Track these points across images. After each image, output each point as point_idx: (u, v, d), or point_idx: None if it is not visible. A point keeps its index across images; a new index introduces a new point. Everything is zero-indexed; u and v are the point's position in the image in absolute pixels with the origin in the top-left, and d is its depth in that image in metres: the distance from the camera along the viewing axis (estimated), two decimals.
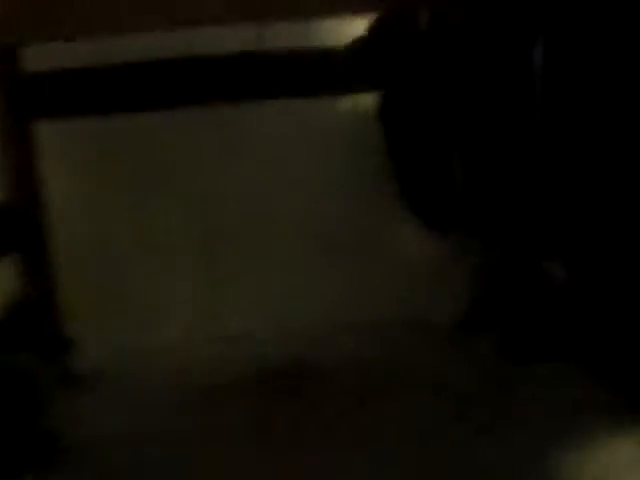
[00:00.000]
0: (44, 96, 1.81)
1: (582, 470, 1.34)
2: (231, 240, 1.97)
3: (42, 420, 1.48)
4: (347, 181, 1.96)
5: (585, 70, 1.58)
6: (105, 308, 1.92)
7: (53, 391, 1.56)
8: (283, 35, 1.79)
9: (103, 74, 1.83)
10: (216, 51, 1.83)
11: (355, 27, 1.83)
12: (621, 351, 1.58)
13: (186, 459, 1.45)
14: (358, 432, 1.51)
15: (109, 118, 1.84)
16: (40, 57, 1.73)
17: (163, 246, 1.96)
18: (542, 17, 1.60)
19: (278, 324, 1.96)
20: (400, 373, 1.75)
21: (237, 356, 1.87)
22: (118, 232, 1.93)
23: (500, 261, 1.83)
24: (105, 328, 1.89)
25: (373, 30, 1.83)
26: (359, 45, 1.85)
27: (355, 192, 1.97)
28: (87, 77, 1.83)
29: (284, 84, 1.90)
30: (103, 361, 1.83)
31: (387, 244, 2.00)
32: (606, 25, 1.53)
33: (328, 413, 1.59)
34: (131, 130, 1.87)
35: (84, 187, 1.91)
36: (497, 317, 1.84)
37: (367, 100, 1.90)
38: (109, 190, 1.92)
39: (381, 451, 1.44)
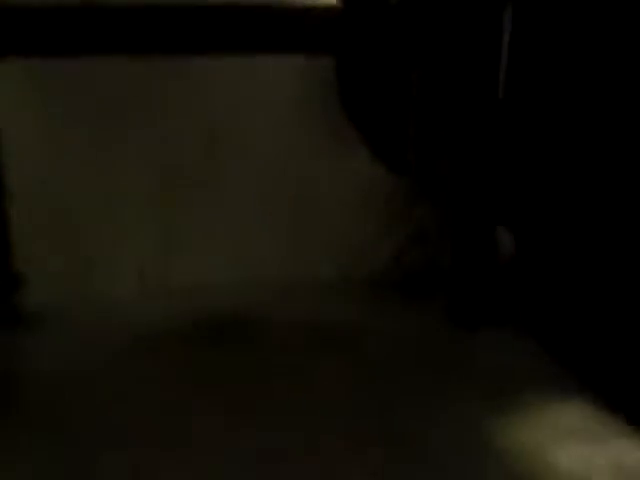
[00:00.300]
0: (6, 32, 1.77)
1: (523, 436, 1.37)
2: (185, 189, 1.96)
3: None
4: (300, 135, 1.96)
5: (553, 37, 1.60)
6: (56, 249, 1.90)
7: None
8: None
9: (68, 13, 1.79)
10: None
11: None
12: (566, 320, 1.62)
13: (123, 402, 1.47)
14: (296, 387, 1.53)
15: (74, 58, 1.80)
16: None
17: (118, 191, 1.94)
18: None
19: (227, 276, 1.97)
20: (338, 333, 1.76)
21: (184, 307, 1.88)
22: (73, 173, 1.91)
23: (450, 223, 1.85)
24: (56, 270, 1.89)
25: None
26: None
27: (309, 145, 1.97)
28: (52, 16, 1.79)
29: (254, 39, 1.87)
30: (51, 302, 1.83)
31: (337, 198, 2.00)
32: None
33: (268, 364, 1.61)
34: (96, 71, 1.84)
35: (41, 125, 1.87)
36: (443, 279, 1.87)
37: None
38: (67, 131, 1.89)
39: (316, 404, 1.47)
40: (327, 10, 1.82)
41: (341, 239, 2.00)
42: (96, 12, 1.77)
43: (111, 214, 1.94)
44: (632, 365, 1.42)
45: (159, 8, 1.78)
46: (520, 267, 1.75)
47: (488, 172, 1.75)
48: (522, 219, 1.75)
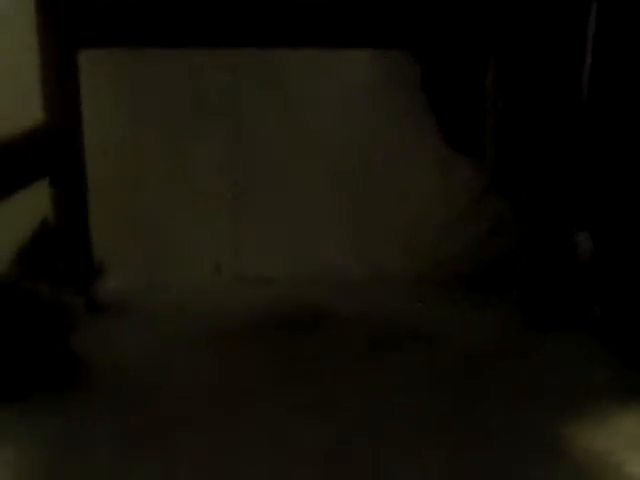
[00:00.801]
0: (91, 24, 1.80)
1: (596, 444, 1.34)
2: (260, 183, 1.98)
3: (65, 344, 1.51)
4: (375, 132, 1.96)
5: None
6: (135, 241, 1.95)
7: (78, 317, 1.58)
8: None
9: (151, 5, 1.81)
10: None
11: None
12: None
13: (201, 390, 1.49)
14: (365, 379, 1.53)
15: (154, 51, 1.84)
16: None
17: (193, 185, 1.97)
18: None
19: (300, 269, 1.98)
20: (411, 327, 1.76)
21: (257, 297, 1.90)
22: (151, 166, 1.95)
23: (527, 222, 1.82)
24: (132, 260, 1.93)
25: None
26: None
27: (386, 145, 1.96)
28: (134, 8, 1.81)
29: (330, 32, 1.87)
30: (129, 291, 1.87)
31: (413, 197, 1.99)
32: None
33: (340, 358, 1.62)
34: (175, 65, 1.88)
35: (122, 118, 1.91)
36: (517, 279, 1.84)
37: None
38: (146, 123, 1.93)
39: (388, 399, 1.46)
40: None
41: (413, 232, 2.00)
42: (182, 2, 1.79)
43: (188, 208, 1.97)
44: None
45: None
46: (598, 272, 1.72)
47: (569, 173, 1.72)
48: (602, 223, 1.72)
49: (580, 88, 1.67)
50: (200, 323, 1.77)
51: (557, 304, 1.75)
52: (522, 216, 1.83)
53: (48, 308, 1.46)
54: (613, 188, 1.68)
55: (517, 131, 1.79)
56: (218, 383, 1.52)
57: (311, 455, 1.30)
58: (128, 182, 1.94)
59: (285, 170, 1.98)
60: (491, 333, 1.74)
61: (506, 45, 1.75)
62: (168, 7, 1.79)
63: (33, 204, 1.71)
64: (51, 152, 1.77)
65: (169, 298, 1.89)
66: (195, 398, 1.46)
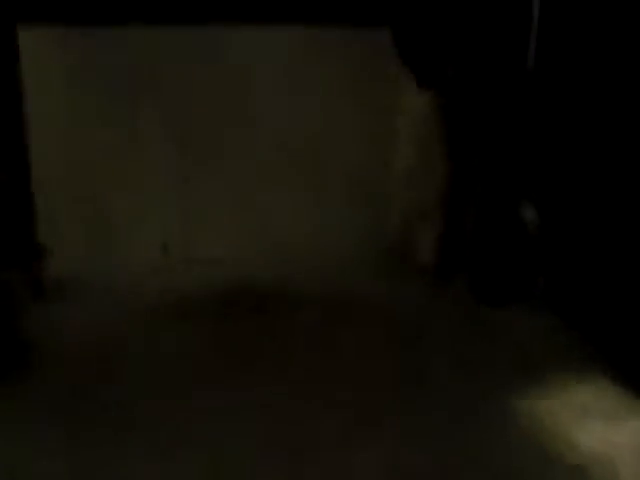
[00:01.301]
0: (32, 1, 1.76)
1: (545, 414, 1.37)
2: (210, 160, 1.96)
3: (13, 327, 1.49)
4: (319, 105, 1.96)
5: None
6: (81, 219, 1.91)
7: (26, 299, 1.56)
8: None
9: None
10: None
11: None
12: (590, 295, 1.62)
13: (151, 371, 1.48)
14: (325, 353, 1.55)
15: (97, 28, 1.80)
16: None
17: (141, 163, 1.94)
18: None
19: (250, 247, 1.98)
20: (365, 305, 1.77)
21: (208, 277, 1.89)
22: (97, 144, 1.91)
23: (475, 202, 1.84)
24: (80, 240, 1.90)
25: None
26: None
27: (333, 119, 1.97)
28: None
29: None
30: (75, 273, 1.84)
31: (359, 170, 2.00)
32: None
33: (290, 333, 1.63)
34: (120, 42, 1.84)
35: (65, 99, 1.87)
36: (470, 257, 1.87)
37: None
38: (92, 99, 1.89)
39: (335, 372, 1.48)
40: None
41: (362, 215, 2.01)
42: None
43: (135, 189, 1.94)
44: None
45: None
46: (544, 242, 1.74)
47: (514, 146, 1.73)
48: (548, 194, 1.74)
49: (526, 60, 1.68)
50: (148, 305, 1.75)
51: (505, 277, 1.78)
52: (469, 190, 1.84)
53: None
54: (557, 161, 1.70)
55: (465, 101, 1.79)
56: (165, 366, 1.51)
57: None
58: (74, 163, 1.90)
59: (234, 148, 1.97)
60: (443, 309, 1.76)
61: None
62: None
63: None
64: None
65: (116, 280, 1.86)
66: (144, 382, 1.45)
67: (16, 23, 1.73)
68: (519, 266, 1.76)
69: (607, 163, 1.57)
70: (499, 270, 1.78)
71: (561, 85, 1.66)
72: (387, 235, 2.01)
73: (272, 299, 1.79)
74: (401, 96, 1.92)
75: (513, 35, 1.68)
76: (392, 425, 1.33)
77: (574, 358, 1.55)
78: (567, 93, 1.65)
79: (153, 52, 1.87)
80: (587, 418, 1.37)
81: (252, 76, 1.92)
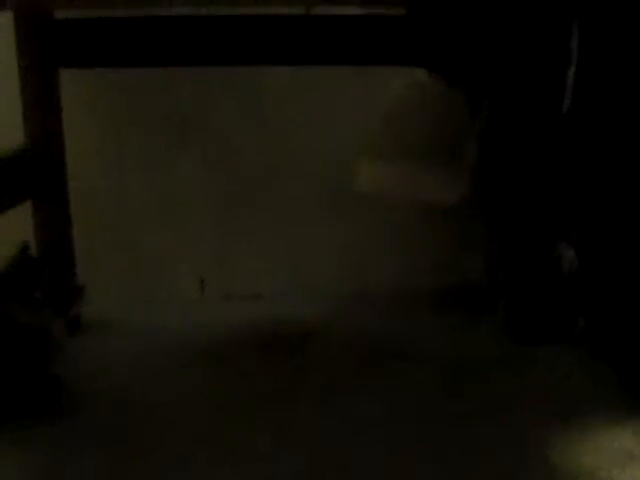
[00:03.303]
0: (72, 43, 1.80)
1: (582, 459, 1.33)
2: (246, 200, 1.98)
3: (49, 368, 1.50)
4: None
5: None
6: (117, 260, 1.94)
7: (60, 339, 1.57)
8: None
9: (131, 25, 1.81)
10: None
11: None
12: (629, 338, 1.58)
13: (187, 415, 1.47)
14: (354, 401, 1.52)
15: (135, 70, 1.83)
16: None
17: (178, 203, 1.97)
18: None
19: (289, 287, 1.98)
20: (403, 345, 1.75)
21: (245, 316, 1.89)
22: (134, 185, 1.94)
23: (511, 238, 1.82)
24: (117, 279, 1.92)
25: None
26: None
27: None
28: (115, 26, 1.81)
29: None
30: (113, 309, 1.86)
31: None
32: None
33: (329, 378, 1.61)
34: (155, 84, 1.87)
35: (104, 138, 1.91)
36: (504, 294, 1.84)
37: None
38: (128, 142, 1.92)
39: (378, 420, 1.45)
40: None
41: (400, 250, 2.00)
42: (161, 22, 1.79)
43: (172, 225, 1.96)
44: None
45: (224, 18, 1.78)
46: (583, 284, 1.72)
47: (551, 184, 1.72)
48: (586, 235, 1.72)
49: (562, 100, 1.67)
50: (185, 343, 1.76)
51: (542, 317, 1.75)
52: (504, 228, 1.83)
53: (26, 331, 1.45)
54: (594, 199, 1.68)
55: (499, 142, 1.79)
56: (202, 406, 1.50)
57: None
58: (111, 201, 1.94)
59: (269, 186, 1.98)
60: (476, 349, 1.74)
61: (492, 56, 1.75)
62: (148, 26, 1.78)
63: (15, 227, 1.70)
64: (33, 174, 1.76)
65: (154, 317, 1.88)
66: (180, 422, 1.44)
67: (58, 66, 1.77)
68: (556, 306, 1.74)
69: None
70: (535, 309, 1.76)
71: (600, 127, 1.64)
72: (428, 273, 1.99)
73: (310, 339, 1.78)
74: None
75: (549, 78, 1.67)
76: (425, 473, 1.30)
77: (616, 403, 1.51)
78: (606, 134, 1.63)
79: (200, 95, 1.89)
80: (629, 464, 1.33)
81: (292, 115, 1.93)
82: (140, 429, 1.42)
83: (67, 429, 1.40)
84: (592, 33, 1.63)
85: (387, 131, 1.76)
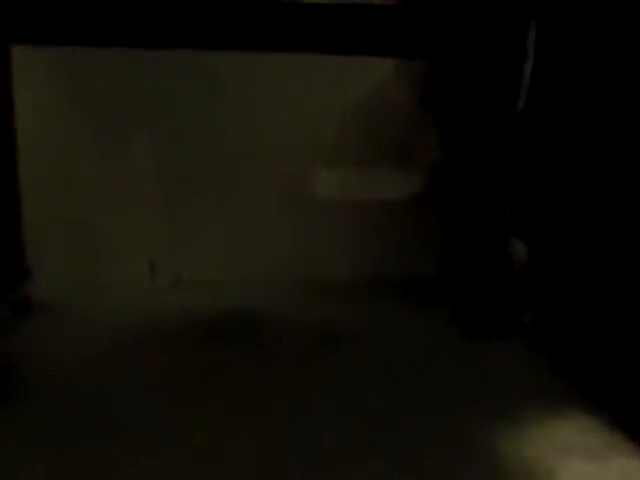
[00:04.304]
0: (24, 20, 1.76)
1: (526, 451, 1.36)
2: (199, 185, 1.96)
3: None
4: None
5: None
6: (68, 242, 1.91)
7: (9, 321, 1.55)
8: None
9: (90, 3, 1.77)
10: None
11: None
12: (576, 332, 1.62)
13: (131, 396, 1.47)
14: (299, 385, 1.53)
15: (90, 52, 1.80)
16: None
17: (130, 185, 1.94)
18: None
19: (239, 272, 1.98)
20: (351, 335, 1.76)
21: (195, 302, 1.89)
22: (85, 164, 1.91)
23: (463, 233, 1.85)
24: (68, 262, 1.90)
25: None
26: None
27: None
28: (72, 5, 1.77)
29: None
30: (62, 293, 1.84)
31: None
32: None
33: (277, 368, 1.61)
34: (109, 67, 1.85)
35: (56, 118, 1.88)
36: (455, 288, 1.87)
37: None
38: (81, 124, 1.89)
39: (321, 407, 1.46)
40: None
41: (351, 239, 2.01)
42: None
43: (122, 209, 1.94)
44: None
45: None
46: (532, 278, 1.75)
47: (502, 181, 1.74)
48: (536, 229, 1.74)
49: (516, 99, 1.69)
50: (134, 328, 1.74)
51: (491, 311, 1.78)
52: (456, 224, 1.85)
53: None
54: (546, 196, 1.71)
55: (451, 142, 1.81)
56: (147, 390, 1.50)
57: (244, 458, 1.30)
58: (60, 183, 1.90)
59: (222, 172, 1.97)
60: (426, 340, 1.76)
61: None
62: (105, 5, 1.75)
63: None
64: None
65: (103, 300, 1.86)
66: (126, 408, 1.44)
67: (9, 43, 1.73)
68: (505, 300, 1.77)
69: (596, 202, 1.57)
70: (485, 303, 1.78)
71: (551, 126, 1.67)
72: (378, 263, 2.01)
73: (257, 325, 1.78)
74: None
75: (505, 76, 1.69)
76: (366, 463, 1.31)
77: (558, 395, 1.54)
78: (556, 133, 1.66)
79: (149, 76, 1.87)
80: (570, 456, 1.36)
81: (250, 109, 1.92)
82: (86, 414, 1.41)
83: (13, 414, 1.38)
84: (548, 33, 1.65)
85: (340, 136, 1.78)
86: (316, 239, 2.00)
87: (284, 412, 1.44)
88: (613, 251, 1.52)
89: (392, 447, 1.35)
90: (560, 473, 1.31)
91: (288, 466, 1.29)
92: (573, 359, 1.60)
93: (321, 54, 1.79)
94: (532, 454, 1.35)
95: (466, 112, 1.76)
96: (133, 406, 1.44)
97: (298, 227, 1.99)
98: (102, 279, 1.92)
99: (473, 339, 1.75)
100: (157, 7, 1.75)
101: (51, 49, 1.77)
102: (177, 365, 1.60)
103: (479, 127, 1.74)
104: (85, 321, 1.77)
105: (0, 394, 1.43)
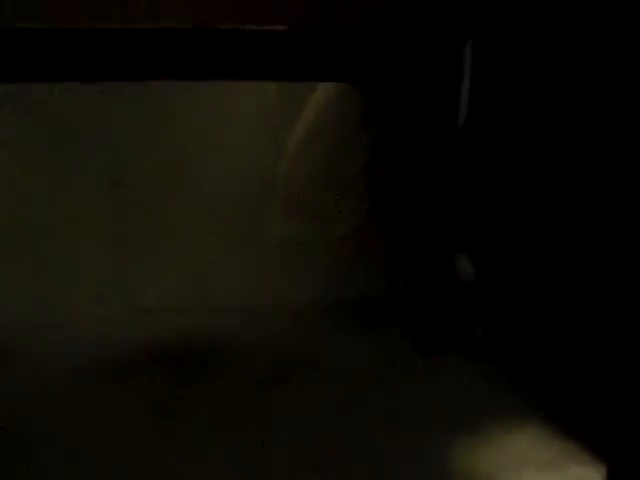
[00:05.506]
0: None
1: (480, 464, 1.37)
2: (145, 216, 1.95)
3: None
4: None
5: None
6: (13, 273, 1.88)
7: None
8: None
9: (26, 36, 1.75)
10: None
11: None
12: (525, 344, 1.63)
13: (82, 439, 1.43)
14: (261, 416, 1.52)
15: (32, 84, 1.78)
16: None
17: (78, 218, 1.92)
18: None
19: (189, 303, 1.96)
20: (299, 357, 1.76)
21: (142, 331, 1.87)
22: (32, 200, 1.89)
23: (411, 251, 1.86)
24: (13, 301, 1.86)
25: None
26: None
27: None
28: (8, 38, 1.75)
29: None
30: (7, 331, 1.80)
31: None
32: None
33: (231, 397, 1.60)
34: (58, 97, 1.83)
35: (6, 149, 1.86)
36: (405, 305, 1.87)
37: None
38: (29, 153, 1.88)
39: (284, 435, 1.45)
40: None
41: (302, 264, 2.01)
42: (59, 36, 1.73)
43: (73, 238, 1.92)
44: (592, 390, 1.44)
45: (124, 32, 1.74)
46: (480, 293, 1.76)
47: (446, 197, 1.76)
48: (482, 244, 1.76)
49: (456, 117, 1.71)
50: (86, 359, 1.72)
51: (442, 327, 1.79)
52: (403, 243, 1.86)
53: None
54: (491, 210, 1.73)
55: (393, 160, 1.82)
56: (103, 426, 1.47)
57: None
58: (8, 221, 1.88)
59: (170, 199, 1.96)
60: (377, 359, 1.76)
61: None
62: (49, 39, 1.73)
63: None
64: None
65: (51, 333, 1.82)
66: (79, 443, 1.41)
67: None
68: (455, 315, 1.78)
69: (541, 214, 1.59)
70: (434, 318, 1.79)
71: (495, 139, 1.69)
72: (326, 286, 2.01)
73: (210, 353, 1.77)
74: None
75: (444, 94, 1.71)
76: None
77: (513, 407, 1.55)
78: (501, 147, 1.68)
79: (102, 108, 1.86)
80: (528, 468, 1.36)
81: (198, 138, 1.91)
82: (35, 451, 1.38)
83: None
84: (485, 49, 1.68)
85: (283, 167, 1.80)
86: (267, 263, 1.99)
87: (243, 441, 1.42)
88: (560, 260, 1.54)
89: (345, 466, 1.35)
90: None
91: None
92: (526, 370, 1.61)
93: (249, 80, 1.81)
94: (489, 469, 1.36)
95: (406, 131, 1.77)
96: (83, 441, 1.41)
97: (247, 255, 1.99)
98: (51, 315, 1.89)
99: (426, 355, 1.76)
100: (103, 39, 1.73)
101: None
102: (129, 397, 1.57)
103: (420, 145, 1.75)
104: (28, 358, 1.73)
105: None
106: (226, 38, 1.75)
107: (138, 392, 1.59)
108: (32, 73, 1.73)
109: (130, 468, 1.34)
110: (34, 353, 1.76)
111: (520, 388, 1.59)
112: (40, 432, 1.45)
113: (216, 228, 1.98)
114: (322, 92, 1.83)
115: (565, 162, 1.50)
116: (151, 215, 1.96)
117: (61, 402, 1.55)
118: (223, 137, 1.93)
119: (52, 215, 1.90)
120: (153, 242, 1.96)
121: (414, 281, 1.83)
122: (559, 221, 1.53)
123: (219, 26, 1.58)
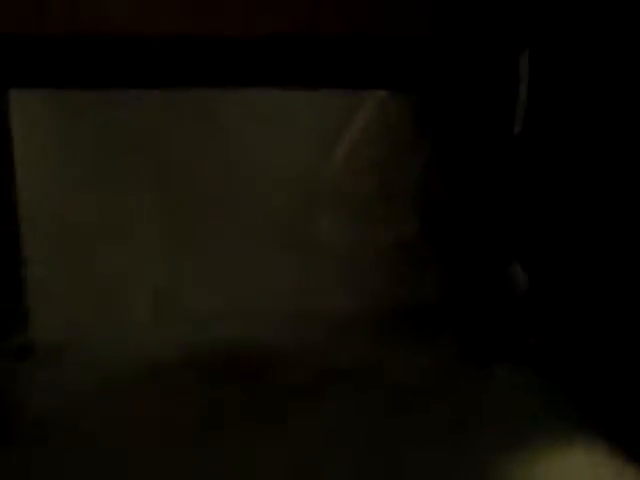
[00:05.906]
0: (20, 65, 1.77)
1: (529, 475, 1.35)
2: (197, 223, 1.97)
3: None
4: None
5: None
6: (70, 280, 1.91)
7: (9, 364, 1.54)
8: None
9: (81, 45, 1.79)
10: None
11: None
12: (578, 356, 1.60)
13: (135, 442, 1.45)
14: (312, 424, 1.52)
15: (86, 91, 1.82)
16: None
17: (129, 224, 1.95)
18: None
19: (238, 307, 1.97)
20: (355, 365, 1.76)
21: (198, 337, 1.88)
22: (84, 205, 1.92)
23: (464, 260, 1.84)
24: (66, 302, 1.89)
25: None
26: None
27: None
28: (64, 47, 1.79)
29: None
30: (62, 335, 1.83)
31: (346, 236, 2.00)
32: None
33: (283, 402, 1.60)
34: (107, 107, 1.86)
35: (55, 160, 1.89)
36: (458, 315, 1.86)
37: None
38: (80, 164, 1.90)
39: (333, 443, 1.45)
40: None
41: (348, 271, 2.00)
42: (116, 43, 1.76)
43: (125, 247, 1.95)
44: None
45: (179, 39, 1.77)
46: (534, 303, 1.74)
47: (502, 207, 1.74)
48: (537, 255, 1.74)
49: (512, 126, 1.70)
50: (138, 367, 1.74)
51: (494, 337, 1.77)
52: (456, 251, 1.85)
53: None
54: (545, 220, 1.71)
55: (447, 169, 1.81)
56: (155, 434, 1.49)
57: None
58: (61, 223, 1.91)
59: (221, 208, 1.97)
60: (429, 368, 1.74)
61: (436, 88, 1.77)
62: (100, 49, 1.77)
63: None
64: None
65: (105, 342, 1.85)
66: (130, 450, 1.43)
67: (8, 88, 1.75)
68: (507, 325, 1.76)
69: (596, 224, 1.57)
70: (487, 328, 1.77)
71: (550, 149, 1.67)
72: (376, 294, 2.00)
73: (259, 359, 1.78)
74: None
75: (500, 101, 1.70)
76: None
77: (565, 421, 1.52)
78: (557, 157, 1.66)
79: (148, 114, 1.89)
80: None
81: (245, 140, 1.93)
82: (86, 459, 1.40)
83: (15, 457, 1.38)
84: (542, 60, 1.66)
85: (333, 176, 1.80)
86: (315, 272, 1.99)
87: (291, 447, 1.43)
88: (615, 273, 1.51)
89: (403, 477, 1.34)
90: None
91: None
92: (579, 383, 1.58)
93: (307, 89, 1.81)
94: (542, 477, 1.34)
95: (462, 139, 1.76)
96: (134, 443, 1.43)
97: (296, 260, 1.99)
98: (102, 318, 1.92)
99: (477, 365, 1.74)
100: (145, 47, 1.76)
101: (46, 92, 1.79)
102: (178, 403, 1.59)
103: (476, 153, 1.74)
104: (86, 363, 1.75)
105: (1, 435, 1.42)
106: (279, 46, 1.76)
107: (185, 397, 1.61)
108: (91, 81, 1.78)
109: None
110: (86, 354, 1.79)
111: (573, 400, 1.57)
112: (87, 432, 1.47)
113: (269, 235, 1.98)
114: (373, 101, 1.83)
115: (623, 172, 1.48)
116: (205, 224, 1.97)
117: (109, 407, 1.58)
118: (273, 145, 1.94)
119: (102, 219, 1.93)
120: (202, 246, 1.98)
121: (466, 290, 1.82)
122: (622, 231, 1.51)
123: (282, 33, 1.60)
